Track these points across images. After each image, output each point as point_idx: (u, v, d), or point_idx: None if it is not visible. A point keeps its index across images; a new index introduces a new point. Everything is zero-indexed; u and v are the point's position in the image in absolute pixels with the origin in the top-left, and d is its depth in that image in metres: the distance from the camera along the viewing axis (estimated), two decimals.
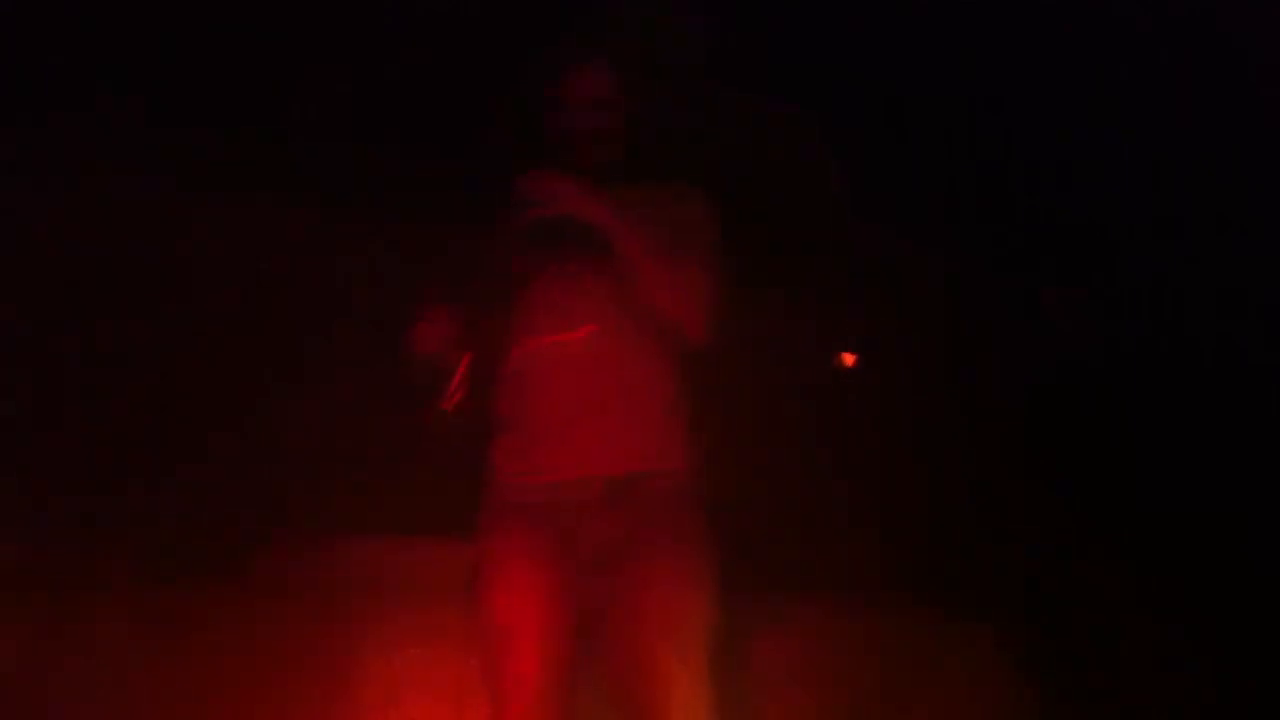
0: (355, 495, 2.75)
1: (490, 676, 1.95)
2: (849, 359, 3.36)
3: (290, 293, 2.93)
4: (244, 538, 2.70)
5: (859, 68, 2.97)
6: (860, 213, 3.08)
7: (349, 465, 2.80)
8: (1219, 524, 2.96)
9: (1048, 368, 3.27)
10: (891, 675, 2.69)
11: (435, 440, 2.02)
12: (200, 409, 2.86)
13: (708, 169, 2.26)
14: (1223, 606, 2.86)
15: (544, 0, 2.78)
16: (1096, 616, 2.92)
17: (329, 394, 2.82)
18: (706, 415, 2.11)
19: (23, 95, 2.75)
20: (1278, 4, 2.85)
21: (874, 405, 3.13)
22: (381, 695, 2.53)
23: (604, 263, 2.03)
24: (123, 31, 2.78)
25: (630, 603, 1.93)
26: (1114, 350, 3.26)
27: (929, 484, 3.06)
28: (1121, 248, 3.26)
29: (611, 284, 2.03)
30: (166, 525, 2.68)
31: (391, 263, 2.81)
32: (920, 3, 2.98)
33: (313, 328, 2.88)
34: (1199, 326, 3.17)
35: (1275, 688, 2.76)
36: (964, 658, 2.75)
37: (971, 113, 3.09)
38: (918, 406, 3.13)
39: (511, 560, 1.99)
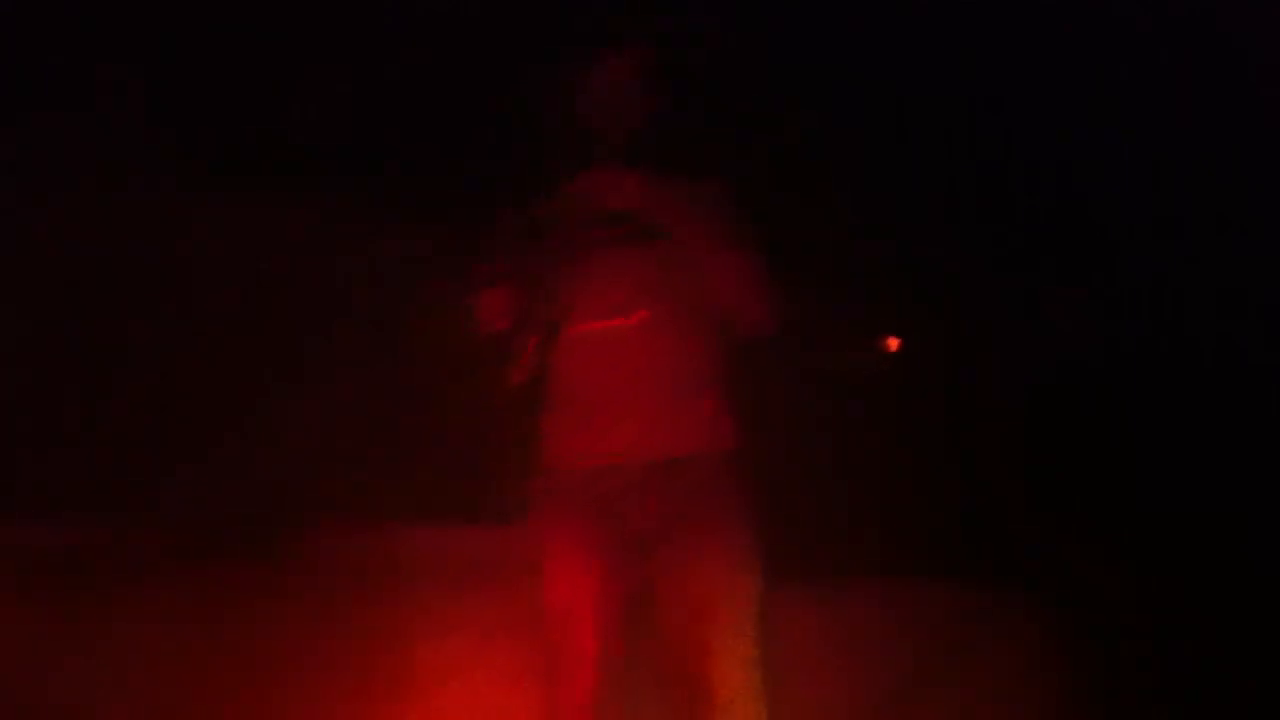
0: (359, 486, 2.76)
1: (551, 657, 1.99)
2: (893, 344, 3.38)
3: (290, 293, 2.93)
4: (267, 524, 2.71)
5: (859, 68, 2.97)
6: (860, 213, 3.08)
7: (349, 464, 2.80)
8: (1219, 524, 2.96)
9: (1048, 368, 3.27)
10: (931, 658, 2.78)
11: (503, 414, 2.03)
12: (200, 408, 2.86)
13: (716, 167, 2.27)
14: (1223, 606, 2.86)
15: (544, 0, 2.78)
16: (1096, 616, 2.92)
17: (329, 394, 2.83)
18: (750, 402, 2.12)
19: (23, 95, 2.75)
20: (1278, 4, 2.85)
21: (873, 404, 3.14)
22: (432, 679, 2.58)
23: (657, 250, 2.06)
24: (123, 31, 2.79)
25: (679, 581, 1.97)
26: (1114, 350, 3.26)
27: (929, 484, 3.06)
28: (1121, 248, 3.26)
29: (664, 272, 2.07)
30: (167, 525, 2.68)
31: (391, 263, 2.81)
32: (920, 3, 2.98)
33: (313, 328, 2.88)
34: (1199, 326, 3.18)
35: (1275, 688, 2.76)
36: (995, 642, 2.85)
37: (971, 113, 3.09)
38: (917, 407, 3.14)
39: (565, 544, 2.02)
